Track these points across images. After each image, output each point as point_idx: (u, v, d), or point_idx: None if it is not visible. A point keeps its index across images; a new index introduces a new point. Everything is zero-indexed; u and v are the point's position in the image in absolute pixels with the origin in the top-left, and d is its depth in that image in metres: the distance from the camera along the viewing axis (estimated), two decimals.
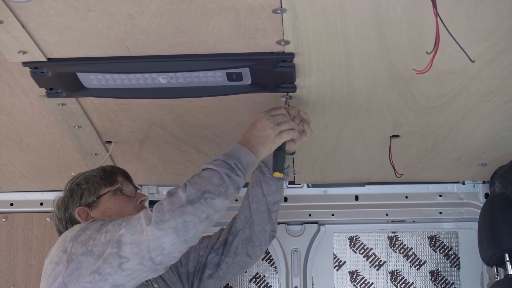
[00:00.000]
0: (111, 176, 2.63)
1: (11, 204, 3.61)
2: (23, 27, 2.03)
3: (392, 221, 3.60)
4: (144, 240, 2.11)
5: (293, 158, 3.14)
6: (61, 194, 2.64)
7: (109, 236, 2.18)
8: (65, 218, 2.58)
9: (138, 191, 2.69)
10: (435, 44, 1.90)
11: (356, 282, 3.59)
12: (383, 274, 3.59)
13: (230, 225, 2.83)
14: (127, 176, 2.69)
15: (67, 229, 2.54)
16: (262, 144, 2.33)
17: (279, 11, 1.94)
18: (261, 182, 2.68)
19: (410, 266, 3.60)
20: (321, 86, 2.42)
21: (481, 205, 3.37)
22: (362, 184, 3.58)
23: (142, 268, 2.14)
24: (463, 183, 3.56)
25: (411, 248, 3.61)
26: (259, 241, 2.76)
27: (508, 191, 3.22)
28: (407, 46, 2.12)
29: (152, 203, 3.60)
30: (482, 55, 2.17)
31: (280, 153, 2.44)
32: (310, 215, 3.61)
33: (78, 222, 2.53)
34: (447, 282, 3.57)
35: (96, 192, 2.58)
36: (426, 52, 1.98)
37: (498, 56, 2.18)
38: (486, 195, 3.52)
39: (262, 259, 3.60)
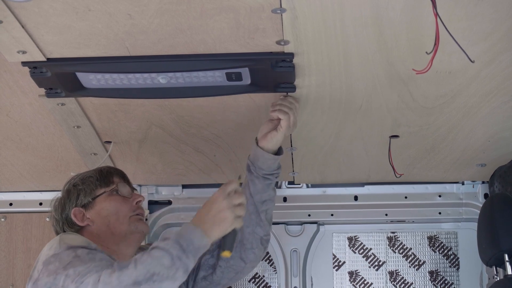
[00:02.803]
0: (107, 176, 2.61)
1: (10, 204, 3.60)
2: (23, 27, 2.03)
3: (392, 221, 3.60)
4: None
5: (292, 158, 3.14)
6: (58, 195, 2.64)
7: (65, 283, 2.16)
8: (62, 219, 2.58)
9: (135, 192, 2.69)
10: (435, 44, 1.90)
11: (356, 282, 3.59)
12: (383, 274, 3.59)
13: None
14: (124, 177, 2.68)
15: (63, 230, 2.55)
16: (218, 225, 2.22)
17: (279, 11, 1.94)
18: (249, 182, 2.64)
19: (410, 266, 3.60)
20: (320, 86, 2.42)
21: (481, 205, 3.37)
22: (362, 184, 3.58)
23: None
24: (463, 183, 3.56)
25: (411, 248, 3.61)
26: (250, 244, 2.70)
27: (507, 191, 3.22)
28: (406, 46, 2.12)
29: (151, 203, 3.61)
30: (481, 56, 2.17)
31: (232, 232, 2.29)
32: (309, 215, 3.61)
33: (74, 223, 2.54)
34: (446, 282, 3.57)
35: (92, 193, 2.57)
36: (426, 52, 1.98)
37: (497, 57, 2.19)
38: (486, 196, 3.52)
39: (261, 259, 3.59)
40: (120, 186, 2.61)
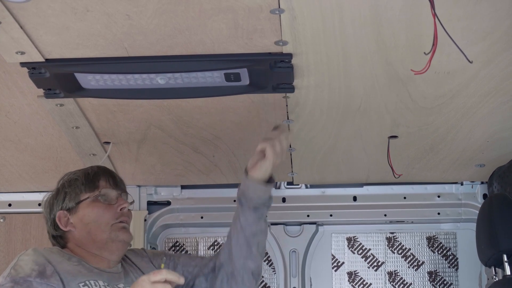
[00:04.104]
0: (93, 180, 2.54)
1: (9, 205, 3.60)
2: (21, 27, 2.03)
3: (391, 222, 3.60)
4: None
5: (291, 159, 3.14)
6: (51, 192, 2.62)
7: None
8: (50, 219, 2.55)
9: (122, 197, 2.57)
10: (433, 44, 1.90)
11: (355, 283, 3.59)
12: (382, 274, 3.59)
13: (219, 252, 2.72)
14: (113, 178, 2.59)
15: (52, 230, 2.54)
16: None
17: (277, 12, 1.94)
18: (239, 214, 2.57)
19: (409, 267, 3.60)
20: (319, 86, 2.42)
21: (479, 205, 3.37)
22: (361, 185, 3.58)
23: None
24: (461, 184, 3.56)
25: (410, 249, 3.61)
26: (241, 278, 2.62)
27: (506, 191, 3.22)
28: (405, 46, 2.12)
29: (150, 204, 3.61)
30: (480, 56, 2.17)
31: None
32: (308, 215, 3.61)
33: (58, 226, 2.52)
34: (445, 282, 3.57)
35: (76, 198, 2.52)
36: (424, 53, 1.98)
37: (496, 57, 2.19)
38: (484, 196, 3.52)
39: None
40: (104, 191, 2.54)
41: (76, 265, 2.41)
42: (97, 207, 2.51)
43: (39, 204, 3.55)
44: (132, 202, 2.65)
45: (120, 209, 2.53)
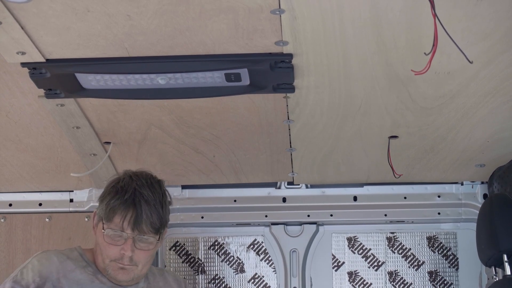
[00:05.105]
0: (109, 212, 2.51)
1: (10, 205, 3.60)
2: (22, 28, 2.03)
3: (391, 222, 3.60)
4: None
5: (291, 159, 3.15)
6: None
7: None
8: None
9: (138, 239, 2.51)
10: (433, 45, 1.90)
11: (355, 283, 3.59)
12: (382, 274, 3.60)
13: None
14: (135, 217, 2.48)
15: None
16: None
17: (278, 12, 1.95)
18: None
19: (409, 267, 3.60)
20: (319, 87, 2.42)
21: (480, 205, 3.37)
22: (361, 185, 3.58)
23: None
24: (462, 184, 3.56)
25: (410, 249, 3.61)
26: None
27: (506, 191, 3.22)
28: (405, 47, 2.12)
29: None
30: (480, 56, 2.17)
31: None
32: (308, 215, 3.61)
33: None
34: (445, 282, 3.57)
35: (99, 215, 2.56)
36: (424, 53, 1.98)
37: (496, 57, 2.19)
38: (485, 196, 3.52)
39: (261, 260, 3.60)
40: (108, 232, 2.50)
41: (90, 275, 2.48)
42: (103, 239, 2.52)
43: (40, 204, 3.58)
44: (151, 245, 2.54)
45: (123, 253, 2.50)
